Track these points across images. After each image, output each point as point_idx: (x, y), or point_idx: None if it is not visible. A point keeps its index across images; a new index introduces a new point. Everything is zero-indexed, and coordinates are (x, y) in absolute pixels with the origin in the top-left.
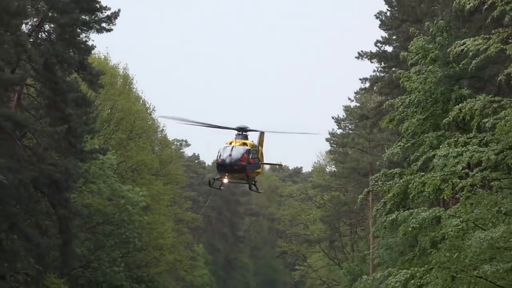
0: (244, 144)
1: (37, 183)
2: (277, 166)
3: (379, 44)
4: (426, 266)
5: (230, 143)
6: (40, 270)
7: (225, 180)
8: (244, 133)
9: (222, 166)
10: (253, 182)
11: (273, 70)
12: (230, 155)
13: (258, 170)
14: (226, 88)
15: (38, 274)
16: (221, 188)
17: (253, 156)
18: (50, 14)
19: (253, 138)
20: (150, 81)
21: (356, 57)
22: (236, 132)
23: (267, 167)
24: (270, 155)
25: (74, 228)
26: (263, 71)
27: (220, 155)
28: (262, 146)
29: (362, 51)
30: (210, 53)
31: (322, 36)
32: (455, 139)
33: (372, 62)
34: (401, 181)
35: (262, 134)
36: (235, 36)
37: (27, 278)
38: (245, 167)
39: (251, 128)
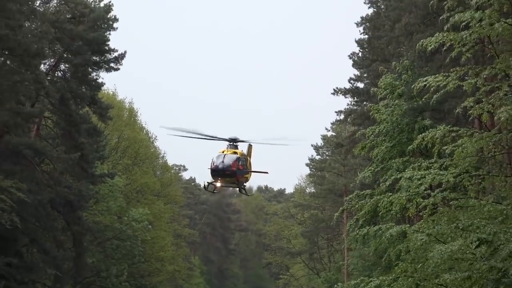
0: (235, 153)
1: (53, 203)
2: (263, 174)
3: (352, 81)
4: (393, 275)
5: (223, 152)
6: (59, 277)
7: (218, 184)
8: (234, 143)
9: (215, 171)
10: (242, 187)
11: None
12: (222, 161)
13: (246, 176)
14: (214, 98)
15: (56, 283)
16: (215, 191)
17: (242, 163)
18: (65, 55)
19: (242, 149)
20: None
21: (332, 93)
22: (227, 142)
23: (254, 188)
24: (258, 176)
25: (86, 242)
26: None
27: (214, 162)
28: (250, 157)
29: (337, 88)
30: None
31: (302, 76)
32: (418, 164)
33: (346, 97)
34: (372, 200)
35: (250, 146)
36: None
37: (46, 287)
38: (235, 172)
39: (240, 139)
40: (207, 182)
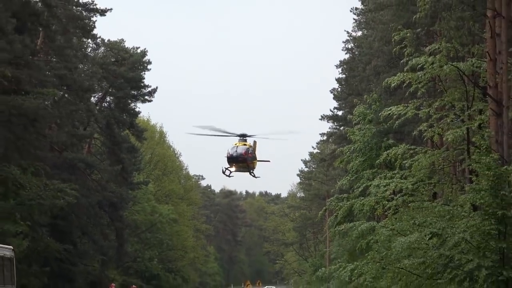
0: (245, 145)
1: (101, 205)
2: (266, 162)
3: (334, 110)
4: (365, 261)
5: (235, 144)
6: (105, 262)
7: (233, 169)
8: (243, 138)
9: (230, 159)
10: (252, 171)
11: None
12: (236, 151)
13: (254, 161)
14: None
15: (103, 266)
16: (231, 176)
17: (251, 152)
18: (110, 90)
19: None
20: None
21: (319, 119)
22: (238, 138)
23: (257, 193)
24: (260, 183)
25: (126, 235)
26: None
27: (229, 152)
28: (255, 150)
29: (323, 115)
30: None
31: (293, 105)
32: (384, 174)
33: (328, 122)
34: (348, 203)
35: (255, 142)
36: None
37: (95, 269)
38: (246, 159)
39: (248, 134)
40: (224, 168)
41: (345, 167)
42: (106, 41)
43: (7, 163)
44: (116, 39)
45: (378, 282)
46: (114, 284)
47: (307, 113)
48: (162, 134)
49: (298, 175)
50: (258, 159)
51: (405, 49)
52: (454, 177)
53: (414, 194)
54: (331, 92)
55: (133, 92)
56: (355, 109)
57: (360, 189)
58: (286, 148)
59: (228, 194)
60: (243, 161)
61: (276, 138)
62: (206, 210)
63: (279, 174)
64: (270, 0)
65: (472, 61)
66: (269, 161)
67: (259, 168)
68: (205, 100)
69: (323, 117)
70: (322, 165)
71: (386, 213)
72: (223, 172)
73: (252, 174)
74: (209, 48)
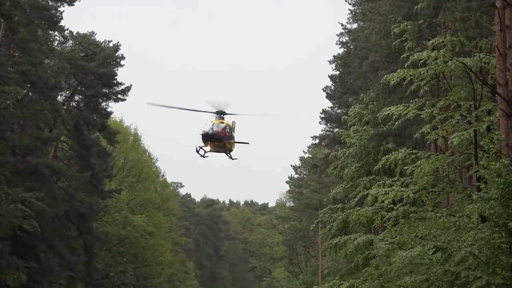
0: (222, 122)
1: (68, 215)
2: (245, 144)
3: (327, 110)
4: (362, 278)
5: (212, 122)
6: (72, 279)
7: (207, 148)
8: (221, 116)
9: (206, 136)
10: (228, 152)
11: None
12: (212, 128)
13: (231, 141)
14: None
15: (69, 284)
16: (205, 156)
17: (228, 130)
18: (79, 88)
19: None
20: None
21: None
22: (215, 115)
23: (242, 202)
24: (245, 191)
25: (96, 249)
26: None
27: (204, 129)
28: (234, 131)
29: (323, 110)
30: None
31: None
32: (383, 181)
33: (320, 124)
34: (343, 213)
35: (233, 122)
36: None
37: (61, 287)
38: (222, 138)
39: (227, 112)
40: (198, 146)
41: (339, 173)
42: (74, 33)
43: None
44: (86, 32)
45: None
46: None
47: (300, 114)
48: (136, 137)
49: (287, 182)
50: (236, 140)
51: (405, 43)
52: (460, 185)
53: (416, 203)
54: (324, 91)
55: (104, 90)
56: (351, 109)
57: (356, 199)
58: (274, 153)
59: (209, 203)
60: (219, 139)
61: (259, 115)
62: (186, 221)
63: (266, 181)
64: None
65: (479, 56)
66: (248, 143)
67: (240, 159)
68: (186, 100)
69: (323, 118)
70: (314, 172)
71: (385, 224)
72: (197, 151)
73: (229, 155)
74: (191, 42)
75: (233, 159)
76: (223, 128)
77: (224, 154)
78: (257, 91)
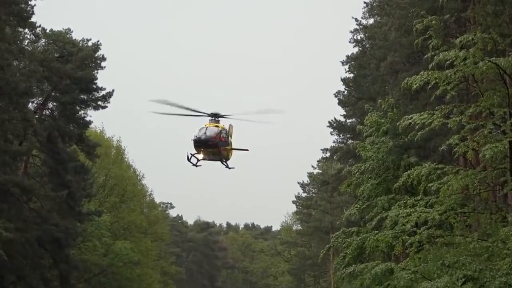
0: (217, 126)
1: (41, 241)
2: (244, 151)
3: (340, 118)
4: None
5: (205, 125)
6: None
7: (200, 156)
8: (216, 118)
9: (198, 142)
10: (224, 160)
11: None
12: (205, 133)
13: (227, 148)
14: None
15: None
16: (198, 165)
17: (224, 135)
18: (53, 94)
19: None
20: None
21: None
22: (209, 118)
23: (241, 225)
24: (245, 214)
25: (73, 279)
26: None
27: (196, 134)
28: (231, 136)
29: (334, 119)
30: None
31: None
32: (404, 201)
33: (332, 134)
34: (358, 238)
35: (230, 126)
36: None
37: None
38: (217, 144)
39: (222, 114)
40: (190, 154)
41: (354, 192)
42: (48, 31)
43: None
44: (61, 29)
45: None
46: None
47: (300, 123)
48: (119, 150)
49: (294, 202)
50: (234, 146)
51: (429, 41)
52: (494, 205)
53: (443, 226)
54: (336, 96)
55: (82, 96)
56: (367, 117)
57: (374, 221)
58: (279, 167)
59: (204, 226)
60: (213, 146)
61: (257, 121)
62: (177, 248)
63: (269, 201)
64: None
65: None
66: (247, 150)
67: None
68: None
69: (332, 125)
70: (324, 190)
71: (407, 251)
72: (189, 160)
73: (225, 164)
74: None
75: (230, 168)
76: (218, 132)
77: (219, 162)
78: (257, 96)
